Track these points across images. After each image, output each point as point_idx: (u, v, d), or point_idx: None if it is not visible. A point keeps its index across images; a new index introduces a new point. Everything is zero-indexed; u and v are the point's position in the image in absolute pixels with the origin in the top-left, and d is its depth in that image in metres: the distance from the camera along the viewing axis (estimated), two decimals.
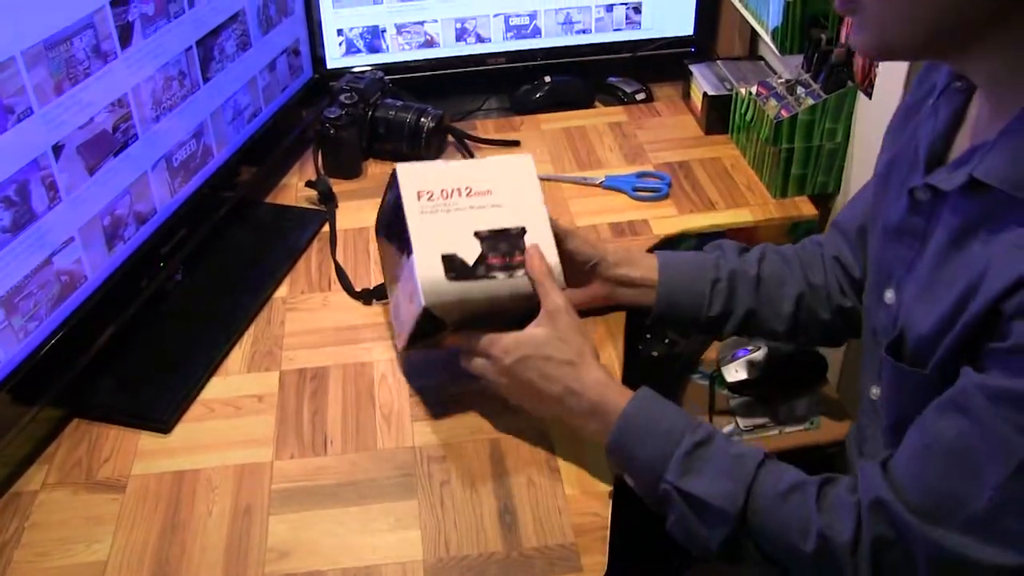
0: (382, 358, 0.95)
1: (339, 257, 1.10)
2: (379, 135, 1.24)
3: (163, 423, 0.89)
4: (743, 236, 1.13)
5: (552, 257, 0.81)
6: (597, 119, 1.34)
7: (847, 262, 0.86)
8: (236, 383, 0.93)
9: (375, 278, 1.06)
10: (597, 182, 1.24)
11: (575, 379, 0.75)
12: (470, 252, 0.78)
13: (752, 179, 1.22)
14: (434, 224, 0.78)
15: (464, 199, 0.79)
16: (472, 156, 1.24)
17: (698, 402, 1.14)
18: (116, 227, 0.93)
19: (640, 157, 1.27)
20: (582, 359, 0.76)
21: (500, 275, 0.77)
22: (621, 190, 1.22)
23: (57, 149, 0.84)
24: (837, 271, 0.86)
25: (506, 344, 0.78)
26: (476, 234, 0.79)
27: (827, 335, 0.90)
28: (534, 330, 0.78)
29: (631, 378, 0.84)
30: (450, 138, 1.27)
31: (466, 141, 1.27)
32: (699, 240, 1.13)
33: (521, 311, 0.79)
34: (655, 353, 1.14)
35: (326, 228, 1.15)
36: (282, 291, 1.05)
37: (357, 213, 1.17)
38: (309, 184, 1.19)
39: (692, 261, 0.88)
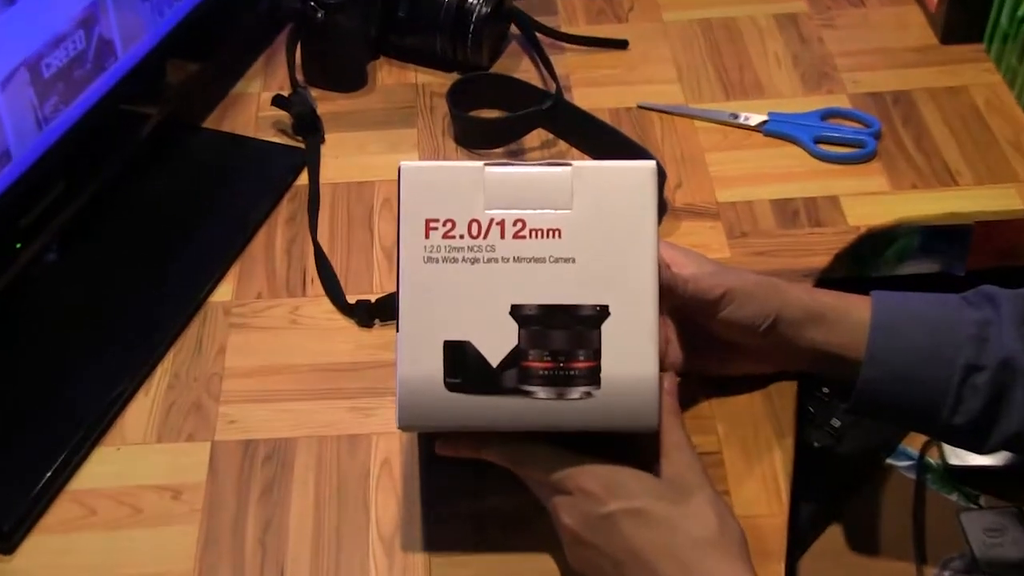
0: (386, 429, 0.84)
1: (323, 236, 0.98)
2: (398, 22, 1.12)
3: None
4: (1000, 235, 1.01)
5: (650, 366, 0.70)
6: (757, 6, 1.20)
7: None
8: (136, 461, 0.83)
9: (383, 279, 0.95)
10: (754, 123, 1.09)
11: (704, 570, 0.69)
12: (497, 341, 0.69)
13: (1023, 130, 1.05)
14: (444, 282, 0.69)
15: (508, 242, 0.69)
16: (548, 64, 1.12)
17: (899, 507, 0.98)
18: None
19: (828, 80, 1.12)
20: (726, 541, 0.70)
21: (542, 392, 0.69)
22: (794, 140, 1.07)
23: None
24: None
25: (607, 480, 0.71)
26: (515, 310, 0.69)
27: None
28: (650, 478, 0.72)
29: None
30: (513, 29, 1.17)
31: (538, 37, 1.16)
32: (923, 238, 1.02)
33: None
34: (816, 444, 1.00)
35: (303, 179, 1.03)
36: (223, 292, 0.95)
37: (355, 155, 1.05)
38: (279, 101, 1.06)
39: (933, 323, 0.77)
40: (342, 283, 0.94)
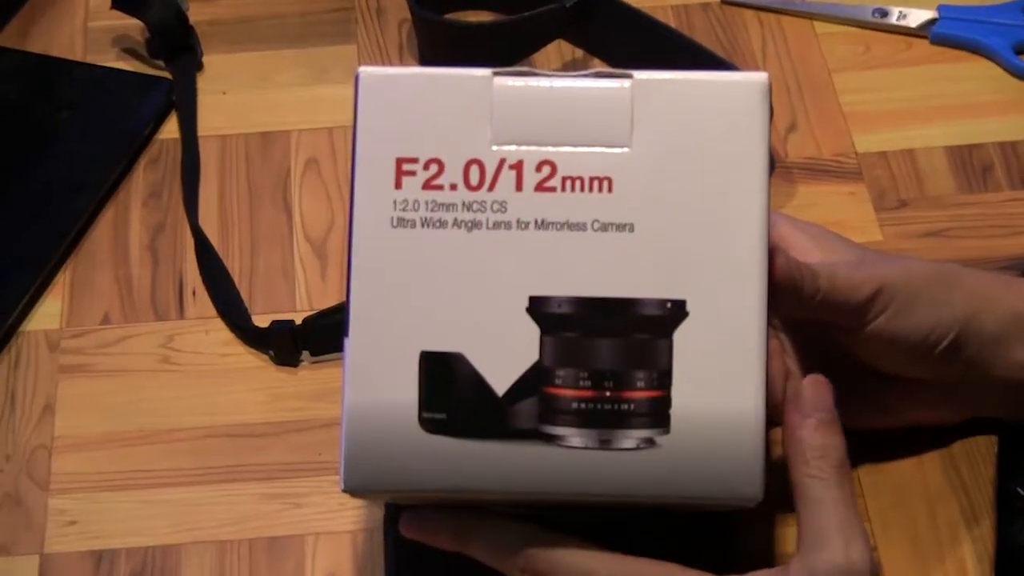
0: (327, 526, 0.90)
1: (208, 221, 1.05)
2: None
3: None
4: None
5: (750, 400, 0.73)
6: None
7: None
8: None
9: (312, 289, 1.01)
10: (915, 24, 1.15)
11: None
12: (505, 354, 0.72)
13: None
14: (423, 258, 0.73)
15: (527, 197, 0.73)
16: None
17: None
18: None
19: None
20: None
21: (577, 437, 0.72)
22: (982, 49, 1.13)
23: None
24: None
25: None
26: (536, 305, 0.72)
27: None
28: None
29: None
30: None
31: None
32: None
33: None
34: None
35: (171, 130, 1.10)
36: (46, 315, 1.01)
37: (256, 90, 1.13)
38: (124, 1, 1.12)
39: None
40: (245, 296, 1.00)
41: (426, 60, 1.14)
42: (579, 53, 1.13)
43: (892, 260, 0.85)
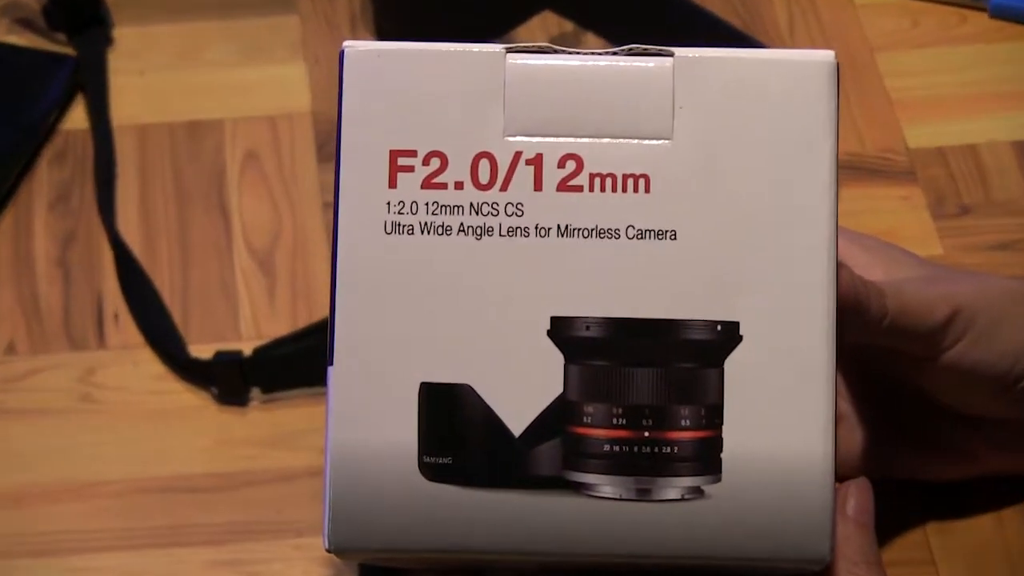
0: None
1: (128, 228, 1.06)
2: None
3: None
4: None
5: (818, 442, 0.73)
6: None
7: None
8: None
9: (260, 313, 1.03)
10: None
11: None
12: (522, 387, 0.72)
13: None
14: (423, 270, 0.73)
15: (548, 198, 0.72)
16: None
17: None
18: None
19: None
20: None
21: (609, 487, 0.72)
22: None
23: None
24: None
25: None
26: (559, 328, 0.72)
27: None
28: None
29: None
30: None
31: None
32: None
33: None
34: None
35: (78, 119, 1.11)
36: None
37: (180, 70, 1.15)
38: None
39: None
40: (178, 320, 1.01)
41: (384, 35, 1.15)
42: (568, 27, 1.14)
43: (967, 277, 0.87)
